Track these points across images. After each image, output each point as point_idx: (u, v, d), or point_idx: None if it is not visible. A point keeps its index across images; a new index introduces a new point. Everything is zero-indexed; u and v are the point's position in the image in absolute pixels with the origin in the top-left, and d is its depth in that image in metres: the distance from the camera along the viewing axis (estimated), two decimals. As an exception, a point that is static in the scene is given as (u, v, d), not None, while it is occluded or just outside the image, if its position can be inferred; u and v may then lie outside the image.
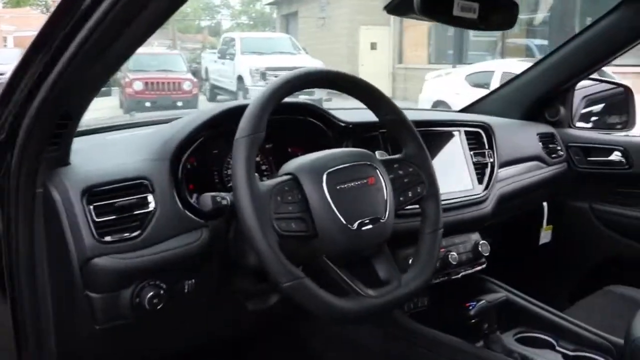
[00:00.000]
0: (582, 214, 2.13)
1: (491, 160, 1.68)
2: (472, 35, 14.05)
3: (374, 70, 14.83)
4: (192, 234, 1.09)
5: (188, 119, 1.21)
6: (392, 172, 1.13)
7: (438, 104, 9.12)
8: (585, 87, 2.13)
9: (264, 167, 1.33)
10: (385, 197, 1.08)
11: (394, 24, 15.79)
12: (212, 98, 14.35)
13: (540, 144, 2.01)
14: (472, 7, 1.34)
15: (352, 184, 1.04)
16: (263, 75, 11.61)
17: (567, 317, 1.50)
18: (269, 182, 1.00)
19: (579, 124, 2.19)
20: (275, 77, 1.21)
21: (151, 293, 1.03)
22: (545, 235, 2.12)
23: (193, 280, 1.11)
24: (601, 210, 2.09)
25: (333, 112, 1.34)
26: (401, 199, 1.13)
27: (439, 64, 13.34)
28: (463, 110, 2.16)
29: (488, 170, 1.67)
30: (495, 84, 8.70)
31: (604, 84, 2.17)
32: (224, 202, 1.03)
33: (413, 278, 1.10)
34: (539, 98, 2.06)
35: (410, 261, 1.17)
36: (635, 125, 2.11)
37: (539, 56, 11.17)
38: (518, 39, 12.80)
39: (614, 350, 1.35)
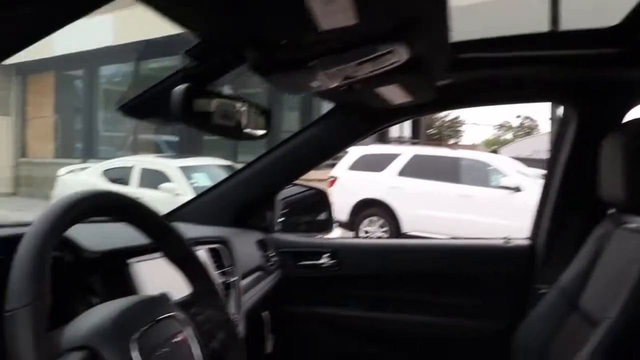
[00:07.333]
0: (301, 319, 2.10)
1: (235, 278, 1.52)
2: (103, 129, 13.74)
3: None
4: None
5: None
6: (191, 318, 0.89)
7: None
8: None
9: None
10: (196, 354, 0.84)
11: (17, 114, 14.32)
12: None
13: (260, 252, 1.93)
14: (233, 115, 1.22)
15: (166, 349, 0.78)
16: None
17: None
18: None
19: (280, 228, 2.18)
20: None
21: None
22: (269, 346, 2.01)
23: None
24: (319, 312, 2.09)
25: (79, 239, 1.00)
26: (205, 352, 0.88)
27: (67, 158, 12.55)
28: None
29: (235, 291, 1.49)
30: (134, 180, 8.56)
31: (299, 187, 2.22)
32: None
33: None
34: (249, 204, 1.99)
35: None
36: (333, 227, 2.22)
37: (168, 152, 11.54)
38: (148, 135, 12.97)
39: None
